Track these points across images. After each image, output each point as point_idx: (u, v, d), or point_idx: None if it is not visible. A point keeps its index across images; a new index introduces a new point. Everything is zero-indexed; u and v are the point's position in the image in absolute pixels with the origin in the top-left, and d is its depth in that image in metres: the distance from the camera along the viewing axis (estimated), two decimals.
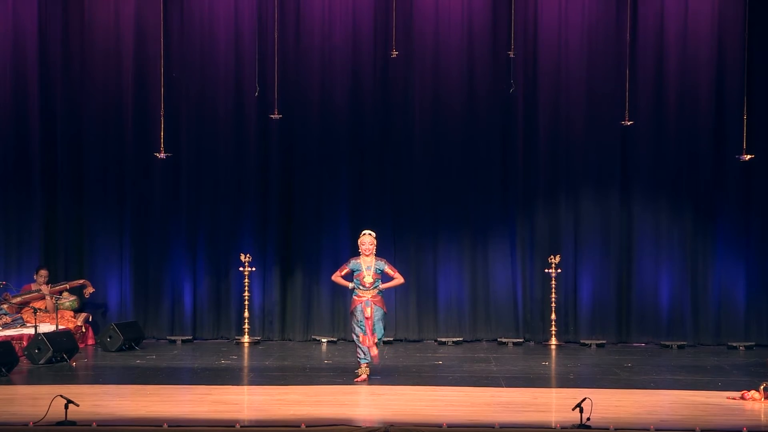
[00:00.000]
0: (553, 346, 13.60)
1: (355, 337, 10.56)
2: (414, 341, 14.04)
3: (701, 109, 13.86)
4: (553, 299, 13.72)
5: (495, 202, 14.16)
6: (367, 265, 10.51)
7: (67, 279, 13.98)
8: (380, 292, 10.50)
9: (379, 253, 13.60)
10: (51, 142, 14.28)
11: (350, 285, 10.57)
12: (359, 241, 10.60)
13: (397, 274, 10.65)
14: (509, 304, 14.18)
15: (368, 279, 10.44)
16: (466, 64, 14.08)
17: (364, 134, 14.22)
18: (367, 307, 10.38)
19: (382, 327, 10.47)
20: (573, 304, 14.10)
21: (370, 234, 10.58)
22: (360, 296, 10.46)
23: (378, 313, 10.41)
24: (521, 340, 13.98)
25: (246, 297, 13.84)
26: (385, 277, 10.66)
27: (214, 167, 14.26)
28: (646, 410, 8.90)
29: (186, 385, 10.49)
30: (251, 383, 10.75)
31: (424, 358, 12.29)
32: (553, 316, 13.74)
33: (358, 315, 10.45)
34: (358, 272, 10.52)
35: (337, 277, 10.66)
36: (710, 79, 13.85)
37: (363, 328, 10.42)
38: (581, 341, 13.88)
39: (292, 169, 14.25)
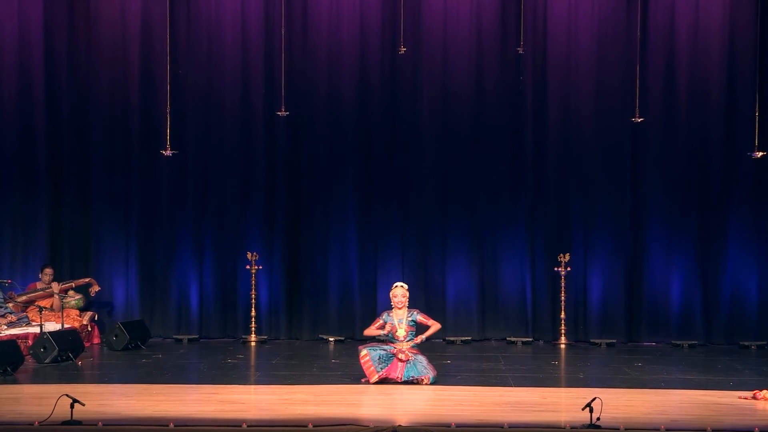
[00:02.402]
0: (562, 346, 13.54)
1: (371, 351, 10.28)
2: None
3: (712, 105, 13.79)
4: (563, 298, 13.65)
5: (504, 200, 14.09)
6: (399, 318, 10.37)
7: (73, 277, 13.99)
8: (416, 345, 10.39)
9: (389, 252, 14.04)
10: (56, 140, 14.30)
11: (382, 333, 10.42)
12: (391, 293, 10.49)
13: (431, 321, 10.49)
14: (518, 303, 14.13)
15: (401, 332, 10.33)
16: (475, 61, 14.06)
17: (372, 131, 14.20)
18: (401, 353, 10.19)
19: (420, 367, 10.23)
20: (583, 302, 14.03)
21: (402, 286, 10.44)
22: (395, 346, 10.32)
23: (416, 357, 10.29)
24: (530, 340, 13.92)
25: (253, 296, 13.84)
26: (419, 327, 10.52)
27: (220, 165, 14.26)
28: (656, 410, 8.86)
29: (192, 385, 10.44)
30: (258, 382, 10.73)
31: (433, 357, 12.18)
32: (563, 315, 13.66)
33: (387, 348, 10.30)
34: (391, 326, 10.39)
35: (370, 330, 10.49)
36: (721, 75, 13.78)
37: (383, 359, 10.20)
38: (591, 340, 13.82)
39: (299, 167, 14.25)
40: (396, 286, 10.48)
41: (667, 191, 13.90)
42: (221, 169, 14.25)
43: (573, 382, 10.71)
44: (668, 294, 13.89)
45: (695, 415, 8.68)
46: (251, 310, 13.83)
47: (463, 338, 13.92)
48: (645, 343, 13.84)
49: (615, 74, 13.83)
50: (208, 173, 14.28)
